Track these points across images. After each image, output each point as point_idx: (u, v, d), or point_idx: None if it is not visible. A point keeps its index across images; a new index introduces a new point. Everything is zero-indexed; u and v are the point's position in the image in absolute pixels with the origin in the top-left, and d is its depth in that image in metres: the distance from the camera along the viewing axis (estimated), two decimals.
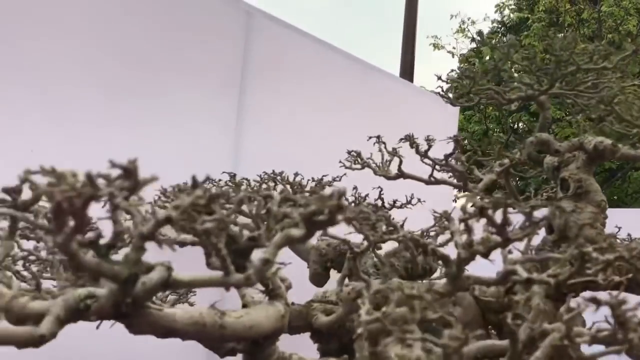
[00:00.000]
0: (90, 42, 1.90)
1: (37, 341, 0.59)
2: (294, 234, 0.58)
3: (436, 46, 11.82)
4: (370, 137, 1.66)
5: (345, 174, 1.78)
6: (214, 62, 2.27)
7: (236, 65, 2.31)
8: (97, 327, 1.21)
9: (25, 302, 0.67)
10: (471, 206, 0.78)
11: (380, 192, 1.62)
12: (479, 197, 1.55)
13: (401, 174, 1.63)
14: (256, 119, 2.35)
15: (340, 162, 1.74)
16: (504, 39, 11.98)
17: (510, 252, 0.92)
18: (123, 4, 2.02)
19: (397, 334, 0.57)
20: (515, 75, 2.10)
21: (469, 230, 0.83)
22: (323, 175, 1.82)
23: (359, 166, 1.69)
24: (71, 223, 0.42)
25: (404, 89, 3.06)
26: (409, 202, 1.68)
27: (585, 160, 1.75)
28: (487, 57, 10.95)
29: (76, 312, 0.62)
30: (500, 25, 12.48)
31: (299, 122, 2.47)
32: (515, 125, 11.41)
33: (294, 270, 1.07)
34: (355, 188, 1.66)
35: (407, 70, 10.30)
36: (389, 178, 1.65)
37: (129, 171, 0.42)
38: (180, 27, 2.19)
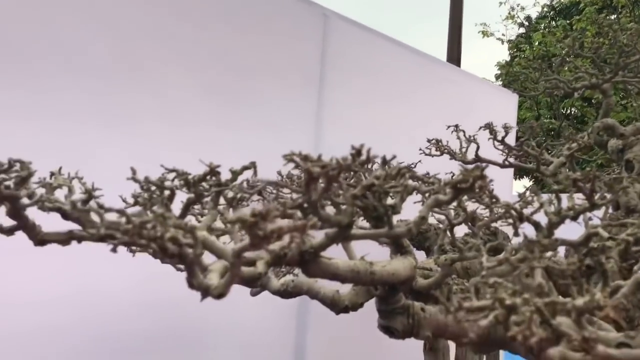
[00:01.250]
0: (193, 51, 2.16)
1: (257, 277, 0.83)
2: (441, 198, 0.80)
3: (485, 33, 11.78)
4: (448, 127, 1.85)
5: (420, 161, 1.99)
6: (295, 63, 2.50)
7: (315, 65, 2.54)
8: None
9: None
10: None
11: (452, 176, 1.82)
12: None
13: (478, 159, 1.82)
14: (334, 114, 2.58)
15: (420, 149, 1.94)
16: (554, 23, 11.83)
17: (590, 219, 1.12)
18: (217, 14, 2.27)
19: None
20: (568, 59, 2.24)
21: (558, 199, 1.03)
22: (400, 162, 2.03)
23: (437, 153, 1.88)
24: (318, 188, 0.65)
25: (466, 80, 3.23)
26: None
27: None
28: (537, 43, 10.86)
29: (277, 258, 0.86)
30: (550, 10, 12.32)
31: (373, 115, 2.68)
32: (567, 111, 11.30)
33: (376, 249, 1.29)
34: (428, 173, 1.87)
35: (454, 59, 10.35)
36: (466, 163, 1.85)
37: (358, 152, 0.65)
38: (265, 31, 2.43)
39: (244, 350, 2.21)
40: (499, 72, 12.03)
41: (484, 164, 0.73)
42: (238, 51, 2.33)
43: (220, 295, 0.65)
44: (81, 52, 1.88)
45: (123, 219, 0.57)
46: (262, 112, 2.33)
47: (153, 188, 0.81)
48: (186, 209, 0.86)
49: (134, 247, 1.49)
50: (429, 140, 1.92)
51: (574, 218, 1.01)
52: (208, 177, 0.82)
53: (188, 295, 2.25)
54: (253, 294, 1.66)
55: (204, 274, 0.67)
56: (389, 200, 0.95)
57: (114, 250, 0.66)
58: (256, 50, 2.38)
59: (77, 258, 1.85)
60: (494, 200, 1.13)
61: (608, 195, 0.97)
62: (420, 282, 1.45)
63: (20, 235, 1.90)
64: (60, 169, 0.91)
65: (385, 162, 0.73)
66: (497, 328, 1.20)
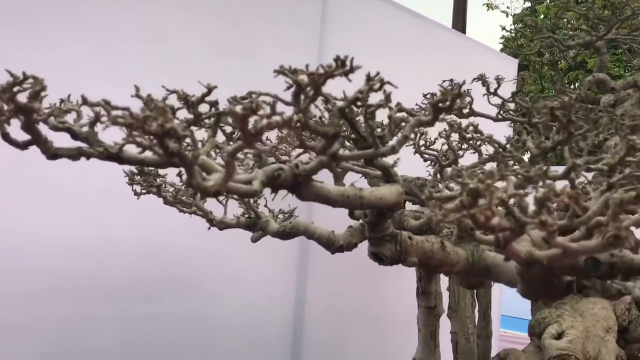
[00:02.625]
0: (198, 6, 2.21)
1: (253, 194, 0.90)
2: (423, 119, 0.86)
3: (489, 6, 11.71)
4: (444, 81, 1.90)
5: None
6: (295, 22, 2.54)
7: (316, 24, 2.58)
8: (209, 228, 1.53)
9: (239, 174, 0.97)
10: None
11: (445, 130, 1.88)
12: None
13: (472, 112, 1.87)
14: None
15: (416, 104, 1.99)
16: None
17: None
18: None
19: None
20: (571, 26, 2.28)
21: (538, 132, 1.09)
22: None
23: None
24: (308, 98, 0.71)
25: (466, 44, 3.27)
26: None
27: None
28: (542, 16, 10.78)
29: (271, 178, 0.92)
30: None
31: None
32: (572, 85, 11.26)
33: None
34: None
35: (459, 30, 10.32)
36: (460, 116, 1.90)
37: (342, 62, 0.71)
38: None
39: (246, 298, 2.29)
40: (503, 44, 11.98)
41: (460, 83, 0.79)
42: (239, 8, 2.37)
43: (217, 192, 0.72)
44: None
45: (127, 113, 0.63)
46: (261, 69, 2.37)
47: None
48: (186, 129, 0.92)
49: (138, 187, 1.56)
50: (424, 95, 1.97)
51: (553, 149, 1.07)
52: (206, 99, 0.88)
53: (194, 247, 2.34)
54: (254, 240, 1.74)
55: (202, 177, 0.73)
56: (378, 132, 1.01)
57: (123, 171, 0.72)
58: (257, 7, 2.42)
59: (92, 209, 1.93)
60: (478, 134, 1.19)
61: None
62: (412, 223, 1.52)
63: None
64: (69, 96, 0.97)
65: (369, 78, 0.78)
66: (480, 258, 1.26)
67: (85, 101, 0.75)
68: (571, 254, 0.70)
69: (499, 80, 1.74)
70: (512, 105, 1.93)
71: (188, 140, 0.70)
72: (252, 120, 0.62)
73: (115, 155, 0.87)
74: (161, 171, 1.53)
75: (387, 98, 0.79)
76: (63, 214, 1.88)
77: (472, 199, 0.61)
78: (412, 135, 1.56)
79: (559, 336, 1.72)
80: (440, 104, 0.82)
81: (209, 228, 1.73)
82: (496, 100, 1.93)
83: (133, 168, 1.48)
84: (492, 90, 1.76)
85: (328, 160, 0.89)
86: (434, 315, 1.75)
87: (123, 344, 2.00)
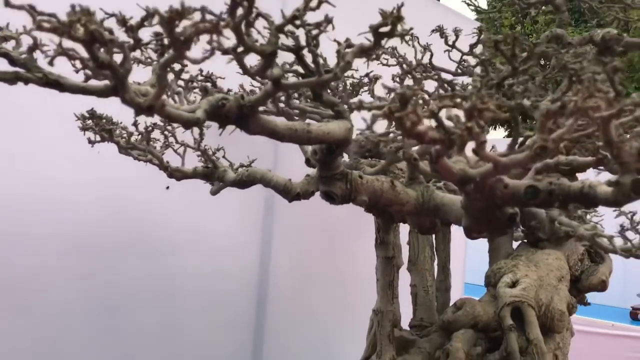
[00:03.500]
0: None
1: (195, 122, 0.89)
2: (365, 45, 0.86)
3: None
4: (404, 35, 1.90)
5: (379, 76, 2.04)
6: None
7: None
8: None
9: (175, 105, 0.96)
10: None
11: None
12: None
13: (432, 67, 1.88)
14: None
15: (377, 59, 1.99)
16: None
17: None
18: None
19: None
20: None
21: (485, 67, 1.11)
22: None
23: (394, 61, 1.94)
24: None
25: (428, 6, 3.26)
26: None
27: (596, 54, 1.97)
28: None
29: (216, 108, 0.92)
30: None
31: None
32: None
33: None
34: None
35: None
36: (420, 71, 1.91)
37: None
38: None
39: (210, 255, 2.29)
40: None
41: (401, 3, 0.79)
42: None
43: (150, 107, 0.71)
44: None
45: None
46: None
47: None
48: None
49: (92, 134, 1.54)
50: (384, 51, 1.97)
51: (499, 85, 1.08)
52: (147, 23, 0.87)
53: (155, 204, 2.31)
54: (213, 192, 1.73)
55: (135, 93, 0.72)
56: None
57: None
58: None
59: (48, 165, 1.90)
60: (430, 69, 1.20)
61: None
62: (367, 170, 1.53)
63: None
64: (7, 24, 0.95)
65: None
66: (430, 198, 1.28)
67: (7, 3, 0.73)
68: (502, 168, 0.72)
69: (457, 32, 1.75)
70: (472, 60, 1.94)
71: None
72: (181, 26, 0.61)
73: (54, 82, 0.85)
74: (115, 119, 1.50)
75: (327, 19, 0.79)
76: (17, 169, 1.84)
77: (401, 105, 0.61)
78: (367, 80, 1.56)
79: (513, 285, 1.76)
80: (381, 29, 0.82)
81: (167, 187, 1.72)
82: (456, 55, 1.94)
83: (84, 112, 1.45)
84: (450, 43, 1.77)
85: (272, 88, 0.89)
86: (392, 265, 1.77)
87: (83, 299, 1.99)
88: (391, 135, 1.70)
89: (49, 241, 1.91)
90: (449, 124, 0.65)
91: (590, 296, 5.05)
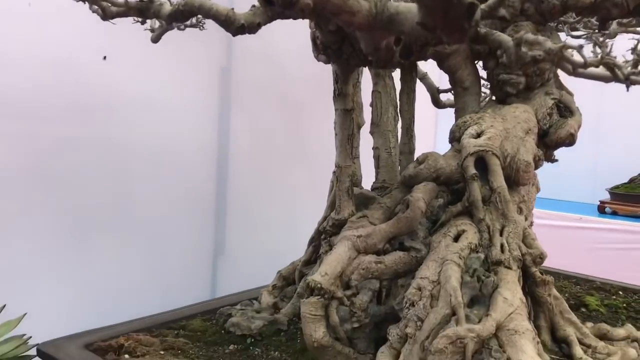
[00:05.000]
0: None
1: None
2: None
3: None
4: None
5: None
6: None
7: None
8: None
9: None
10: None
11: None
12: None
13: None
14: None
15: None
16: None
17: None
18: None
19: None
20: None
21: None
22: None
23: None
24: None
25: None
26: None
27: None
28: None
29: None
30: None
31: None
32: None
33: None
34: None
35: None
36: None
37: None
38: None
39: (164, 125, 2.16)
40: None
41: None
42: None
43: None
44: None
45: None
46: None
47: None
48: None
49: None
50: None
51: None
52: None
53: (102, 66, 2.12)
54: (154, 39, 1.58)
55: None
56: None
57: None
58: None
59: None
60: None
61: None
62: None
63: None
64: None
65: None
66: (384, 9, 1.15)
67: None
68: None
69: None
70: None
71: None
72: None
73: None
74: None
75: None
76: None
77: None
78: None
79: (478, 136, 1.68)
80: None
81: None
82: None
83: None
84: None
85: None
86: (351, 118, 1.67)
87: (26, 164, 1.86)
88: None
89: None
90: None
91: (560, 193, 5.07)
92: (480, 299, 1.38)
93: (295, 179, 2.55)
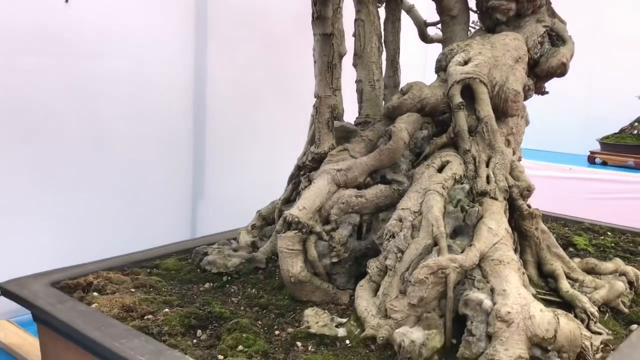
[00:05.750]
0: None
1: None
2: None
3: None
4: None
5: None
6: None
7: None
8: None
9: None
10: None
11: None
12: None
13: None
14: None
15: None
16: None
17: None
18: None
19: None
20: None
21: None
22: None
23: None
24: None
25: None
26: None
27: None
28: None
29: None
30: None
31: None
32: None
33: None
34: None
35: None
36: None
37: None
38: None
39: (135, 59, 2.04)
40: None
41: None
42: None
43: None
44: None
45: None
46: None
47: None
48: None
49: None
50: None
51: None
52: None
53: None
54: None
55: None
56: None
57: None
58: None
59: None
60: None
61: None
62: None
63: None
64: None
65: None
66: None
67: None
68: None
69: None
70: None
71: None
72: None
73: None
74: None
75: None
76: None
77: None
78: None
79: (465, 63, 1.59)
80: None
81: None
82: None
83: None
84: None
85: None
86: (331, 44, 1.57)
87: None
88: None
89: None
90: None
91: (550, 144, 4.99)
92: (464, 229, 1.32)
93: (277, 118, 2.45)
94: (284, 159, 2.02)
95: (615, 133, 4.19)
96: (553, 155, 4.42)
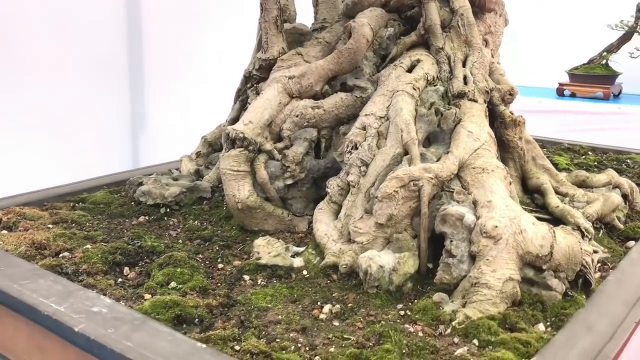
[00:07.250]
0: None
1: None
2: None
3: None
4: None
5: None
6: None
7: None
8: None
9: None
10: None
11: None
12: None
13: None
14: None
15: None
16: None
17: None
18: None
19: None
20: None
21: None
22: None
23: None
24: None
25: None
26: None
27: None
28: None
29: None
30: None
31: None
32: None
33: None
34: None
35: None
36: None
37: None
38: None
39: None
40: None
41: None
42: None
43: None
44: None
45: None
46: None
47: None
48: None
49: None
50: None
51: None
52: None
53: None
54: None
55: None
56: None
57: None
58: None
59: None
60: None
61: None
62: None
63: None
64: None
65: None
66: None
67: None
68: None
69: None
70: None
71: None
72: None
73: None
74: None
75: None
76: None
77: None
78: None
79: None
80: None
81: None
82: None
83: None
84: None
85: None
86: None
87: None
88: None
89: None
90: None
91: (518, 80, 4.86)
92: (439, 135, 1.11)
93: (220, 33, 2.16)
94: (232, 77, 1.76)
95: (584, 63, 4.05)
96: (523, 88, 4.27)
